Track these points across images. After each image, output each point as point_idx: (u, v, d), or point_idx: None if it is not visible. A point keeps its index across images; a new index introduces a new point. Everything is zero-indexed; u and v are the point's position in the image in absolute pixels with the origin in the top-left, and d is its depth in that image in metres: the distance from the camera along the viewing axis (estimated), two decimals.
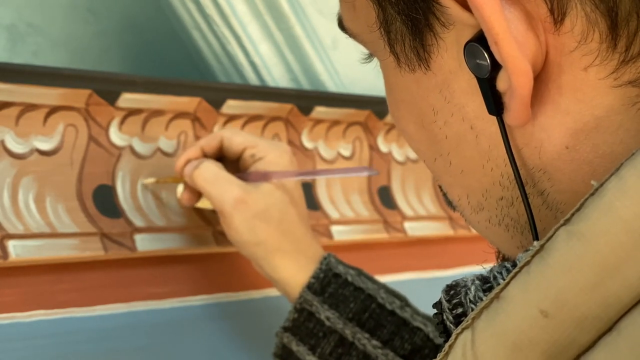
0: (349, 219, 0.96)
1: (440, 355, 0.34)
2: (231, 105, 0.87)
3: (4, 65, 0.73)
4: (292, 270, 0.71)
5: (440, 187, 0.45)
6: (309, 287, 0.70)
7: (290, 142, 0.93)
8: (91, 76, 0.78)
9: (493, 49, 0.33)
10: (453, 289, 0.36)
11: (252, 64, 1.03)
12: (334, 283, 0.70)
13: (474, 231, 1.15)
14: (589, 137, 0.35)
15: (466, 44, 0.35)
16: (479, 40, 0.34)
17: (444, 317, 0.37)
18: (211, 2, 0.98)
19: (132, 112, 0.81)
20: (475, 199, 0.40)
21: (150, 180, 0.79)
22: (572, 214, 0.31)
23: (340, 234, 0.93)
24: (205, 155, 0.76)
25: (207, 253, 0.83)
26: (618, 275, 0.29)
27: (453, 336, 0.34)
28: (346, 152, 0.99)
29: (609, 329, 0.30)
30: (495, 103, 0.35)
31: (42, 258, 0.72)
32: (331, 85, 1.06)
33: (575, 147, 0.35)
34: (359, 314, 0.68)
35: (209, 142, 0.76)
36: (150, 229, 0.79)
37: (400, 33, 0.37)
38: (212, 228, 0.83)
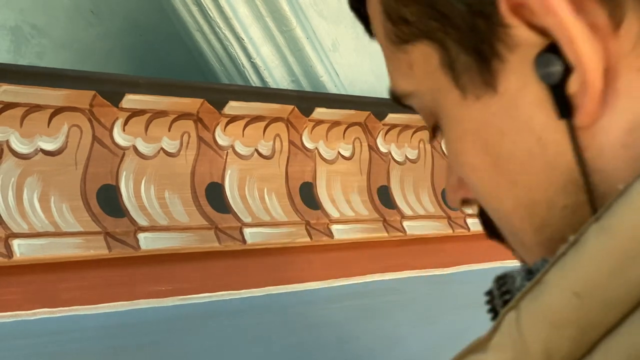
0: (349, 218, 0.96)
1: (489, 331, 0.38)
2: (233, 106, 0.88)
3: (9, 66, 0.73)
4: None
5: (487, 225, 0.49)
6: None
7: (291, 143, 0.94)
8: (95, 77, 0.78)
9: (568, 51, 0.37)
10: (502, 279, 0.42)
11: (254, 66, 1.03)
12: None
13: (472, 230, 1.15)
14: None
15: (538, 56, 0.38)
16: (550, 51, 0.38)
17: (494, 302, 0.42)
18: (213, 5, 0.99)
19: (135, 113, 0.81)
20: (539, 215, 0.43)
21: None
22: (602, 212, 0.35)
23: (340, 232, 0.94)
24: None
25: (210, 251, 0.83)
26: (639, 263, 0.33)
27: (500, 315, 0.38)
28: (346, 152, 1.00)
29: (633, 310, 0.34)
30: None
31: (47, 257, 0.73)
32: (331, 87, 1.06)
33: (631, 144, 0.39)
34: None
35: None
36: (153, 228, 0.80)
37: (465, 65, 0.41)
38: (215, 227, 0.84)
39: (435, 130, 0.47)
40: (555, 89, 0.39)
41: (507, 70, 0.40)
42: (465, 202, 0.49)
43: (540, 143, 0.41)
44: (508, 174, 0.43)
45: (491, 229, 0.48)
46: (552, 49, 0.38)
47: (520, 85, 0.40)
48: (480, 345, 0.37)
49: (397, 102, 0.47)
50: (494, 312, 0.42)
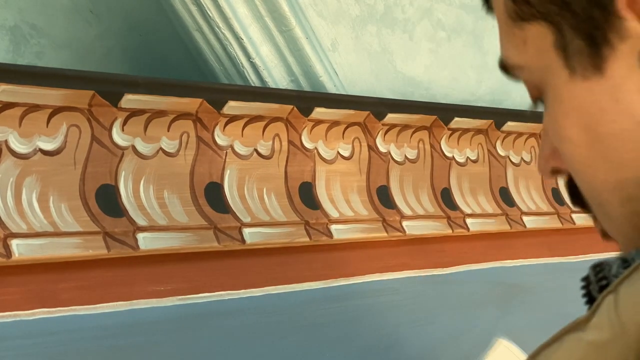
0: (348, 218, 0.96)
1: (588, 313, 0.42)
2: (232, 106, 0.88)
3: (8, 66, 0.73)
4: None
5: (572, 192, 0.53)
6: None
7: (290, 143, 0.94)
8: (94, 77, 0.78)
9: None
10: (598, 266, 0.46)
11: (253, 66, 1.03)
12: None
13: (471, 230, 1.15)
14: None
15: None
16: None
17: (591, 288, 0.46)
18: (213, 5, 0.99)
19: (134, 113, 0.81)
20: (627, 190, 0.47)
21: None
22: None
23: (340, 232, 0.94)
24: None
25: (209, 251, 0.84)
26: None
27: (600, 298, 0.41)
28: (345, 152, 1.00)
29: None
30: None
31: (45, 257, 0.73)
32: (331, 87, 1.06)
33: None
34: None
35: None
36: (152, 228, 0.80)
37: (578, 48, 0.45)
38: (214, 227, 0.84)
39: (536, 101, 0.51)
40: None
41: (616, 57, 0.44)
42: (555, 171, 0.53)
43: (638, 126, 0.45)
44: (603, 151, 0.47)
45: (576, 198, 0.53)
46: None
47: (626, 72, 0.44)
48: (579, 325, 0.41)
49: (506, 71, 0.51)
50: (589, 297, 0.46)
